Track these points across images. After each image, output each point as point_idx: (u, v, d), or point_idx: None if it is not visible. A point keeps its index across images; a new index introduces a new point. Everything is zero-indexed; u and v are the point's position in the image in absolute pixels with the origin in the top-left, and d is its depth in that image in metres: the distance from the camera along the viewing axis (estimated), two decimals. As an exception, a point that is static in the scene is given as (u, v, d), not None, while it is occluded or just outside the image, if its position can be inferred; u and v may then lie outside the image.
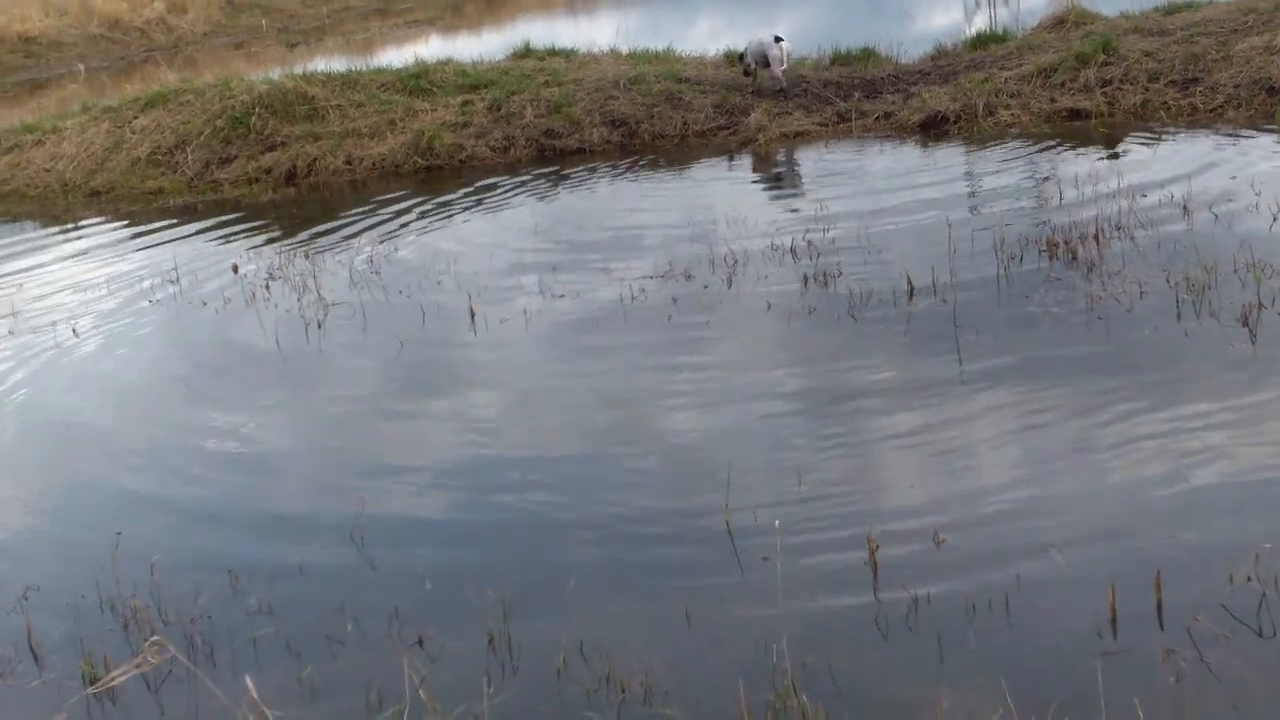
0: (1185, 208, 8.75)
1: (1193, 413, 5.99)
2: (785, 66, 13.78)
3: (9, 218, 13.29)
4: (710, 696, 4.40)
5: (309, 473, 6.61)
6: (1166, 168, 10.05)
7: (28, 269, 11.02)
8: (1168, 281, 7.43)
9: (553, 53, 16.53)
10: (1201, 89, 12.02)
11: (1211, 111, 11.73)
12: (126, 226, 12.23)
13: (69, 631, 5.17)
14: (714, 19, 21.25)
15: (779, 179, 11.65)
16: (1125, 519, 5.20)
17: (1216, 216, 8.54)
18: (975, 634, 4.57)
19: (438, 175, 13.03)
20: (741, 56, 14.30)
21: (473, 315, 8.33)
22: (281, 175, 13.42)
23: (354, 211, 11.93)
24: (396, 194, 12.48)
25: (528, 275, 9.12)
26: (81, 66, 24.88)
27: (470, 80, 14.64)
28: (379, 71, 15.44)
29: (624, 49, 16.60)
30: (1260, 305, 6.94)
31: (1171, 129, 11.44)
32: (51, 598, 5.48)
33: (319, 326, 8.57)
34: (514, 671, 4.67)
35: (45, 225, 12.71)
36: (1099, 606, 4.57)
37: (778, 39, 13.74)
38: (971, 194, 10.19)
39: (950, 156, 11.56)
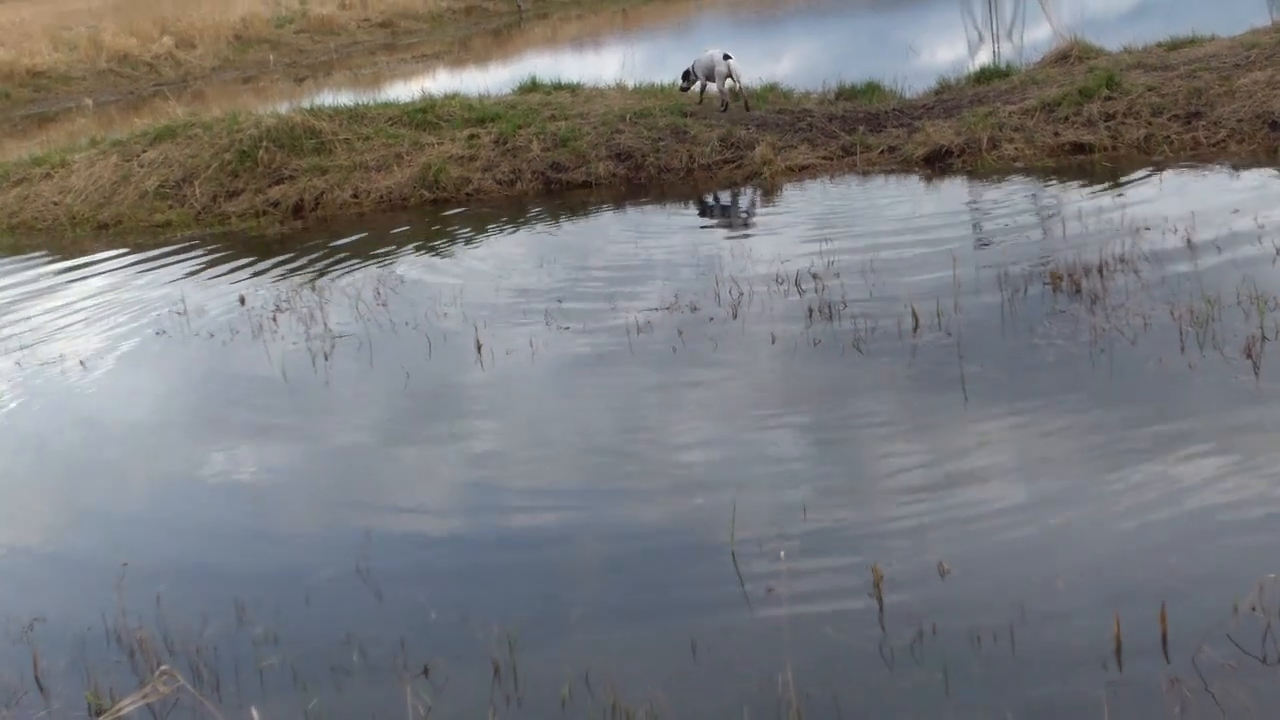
0: (1188, 241, 8.78)
1: (1196, 444, 6.00)
2: (738, 84, 14.35)
3: (17, 250, 13.35)
4: (715, 727, 4.40)
5: (315, 504, 6.63)
6: (1169, 201, 10.08)
7: (35, 301, 11.06)
8: (1171, 314, 7.45)
9: (559, 87, 16.61)
10: (1204, 124, 12.06)
11: (1214, 146, 11.77)
12: (134, 259, 12.28)
13: (75, 662, 5.18)
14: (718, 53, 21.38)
15: (783, 212, 11.67)
16: (1129, 550, 5.21)
17: (1219, 249, 8.56)
18: (980, 664, 4.58)
19: (444, 208, 13.08)
20: (686, 75, 14.78)
21: (479, 347, 8.36)
22: (289, 208, 13.47)
23: (361, 244, 11.98)
24: (403, 227, 12.54)
25: (533, 307, 9.15)
26: (90, 101, 25.02)
27: (477, 114, 14.71)
28: (386, 106, 15.51)
29: (630, 83, 16.69)
30: (1263, 337, 6.95)
31: (1174, 163, 11.47)
32: (57, 628, 5.49)
33: (325, 358, 8.60)
34: (519, 702, 4.67)
35: (53, 258, 12.76)
36: (1104, 637, 4.57)
37: (726, 56, 14.28)
38: (975, 227, 10.22)
39: (954, 190, 11.60)
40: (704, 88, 14.90)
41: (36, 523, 6.75)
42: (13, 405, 8.50)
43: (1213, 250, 8.57)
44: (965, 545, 5.37)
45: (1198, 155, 11.62)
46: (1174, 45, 14.56)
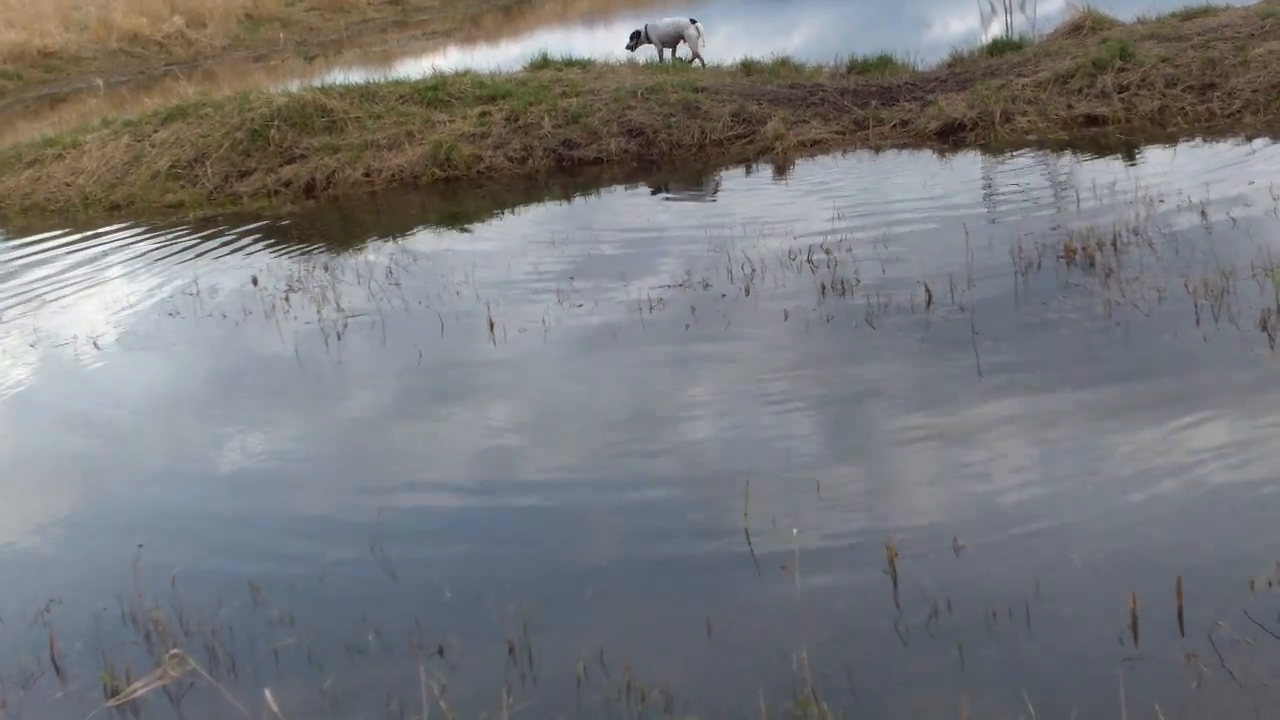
0: (1203, 213, 8.74)
1: (1212, 418, 5.98)
2: (702, 48, 16.18)
3: (30, 232, 13.34)
4: (730, 705, 4.40)
5: (329, 484, 6.63)
6: (1184, 173, 10.03)
7: (47, 282, 11.07)
8: (1186, 287, 7.42)
9: (570, 63, 16.55)
10: (1219, 94, 11.99)
11: (1229, 117, 11.70)
12: (147, 240, 12.28)
13: (91, 643, 5.20)
14: (730, 27, 21.24)
15: (795, 188, 11.63)
16: (1145, 526, 5.20)
17: (1234, 221, 8.52)
18: (996, 642, 4.57)
19: (456, 186, 13.06)
20: (635, 35, 16.44)
21: (491, 325, 8.35)
22: (300, 187, 13.45)
23: (373, 223, 11.98)
24: (415, 205, 12.53)
25: (546, 285, 9.14)
26: (101, 81, 24.97)
27: (488, 91, 14.66)
28: (397, 83, 15.46)
29: (640, 59, 16.64)
30: (1278, 310, 6.92)
31: (1189, 134, 11.41)
32: (74, 610, 5.51)
33: (338, 338, 8.60)
34: (534, 681, 4.68)
35: (66, 239, 12.76)
36: (1120, 613, 4.56)
37: (693, 20, 16.13)
38: (989, 201, 10.18)
39: (967, 164, 11.56)
40: (661, 54, 16.38)
41: (52, 504, 6.76)
42: (27, 386, 8.52)
43: (1227, 222, 8.53)
44: (980, 522, 5.36)
45: (1212, 126, 11.56)
46: (1188, 15, 14.46)
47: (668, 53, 16.55)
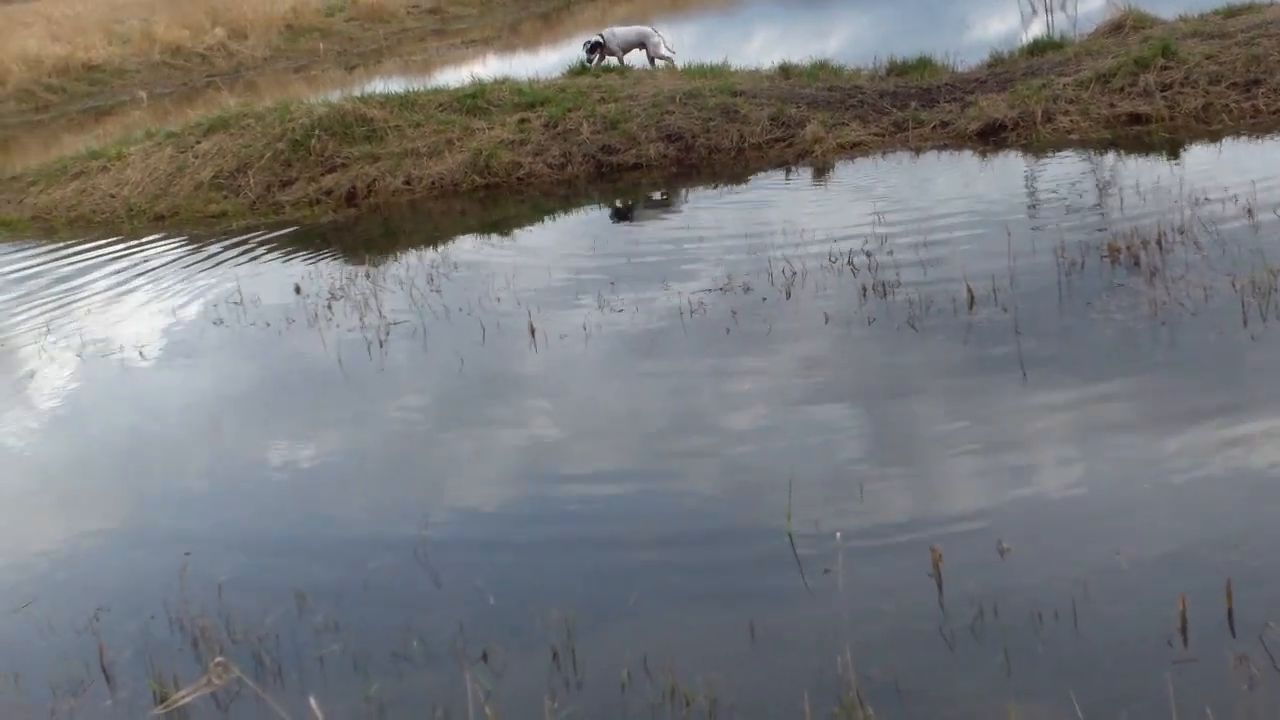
0: (1249, 211, 8.65)
1: (1259, 417, 5.92)
2: (666, 52, 16.66)
3: (76, 243, 13.46)
4: (774, 709, 4.39)
5: (373, 491, 6.66)
6: (1229, 171, 9.93)
7: (94, 293, 11.17)
8: (1233, 285, 7.34)
9: (608, 69, 16.59)
10: (1264, 91, 11.86)
11: (1274, 113, 11.57)
12: (191, 250, 12.37)
13: (139, 651, 5.24)
14: (768, 31, 21.21)
15: (835, 190, 11.60)
16: (1193, 527, 5.15)
17: (1281, 218, 8.43)
18: (1043, 644, 4.53)
19: (496, 193, 13.09)
20: (596, 46, 16.78)
21: (533, 331, 8.36)
22: (342, 196, 13.51)
23: (413, 230, 12.02)
24: (455, 212, 12.57)
25: (586, 290, 9.14)
26: (144, 93, 25.22)
27: (527, 98, 14.69)
28: (436, 92, 15.51)
29: (678, 64, 16.64)
30: (1328, 308, 6.85)
31: (1234, 132, 11.30)
32: (122, 618, 5.55)
33: (381, 345, 8.64)
34: (578, 686, 4.68)
35: (111, 250, 12.87)
36: (1169, 615, 4.52)
37: (655, 30, 16.87)
38: (1031, 201, 10.12)
39: (1009, 164, 11.48)
40: (621, 60, 16.79)
41: (100, 513, 6.82)
42: (74, 395, 8.60)
43: (1274, 219, 8.44)
44: (1025, 524, 5.32)
45: (1258, 123, 11.44)
46: (1231, 12, 14.32)
47: (627, 58, 16.94)
